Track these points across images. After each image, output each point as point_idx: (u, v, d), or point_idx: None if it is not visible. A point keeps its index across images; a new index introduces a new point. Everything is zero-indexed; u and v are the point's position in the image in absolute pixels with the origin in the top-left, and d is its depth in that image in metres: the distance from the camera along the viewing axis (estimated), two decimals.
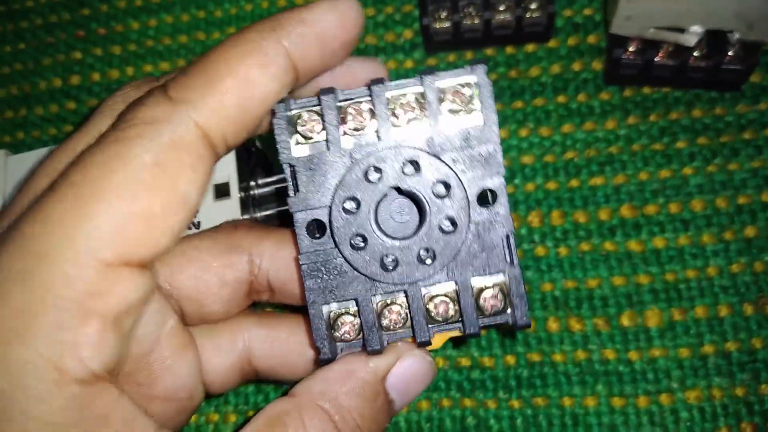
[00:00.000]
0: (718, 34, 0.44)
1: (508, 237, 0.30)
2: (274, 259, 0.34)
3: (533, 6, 0.48)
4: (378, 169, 0.29)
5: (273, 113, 0.29)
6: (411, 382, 0.31)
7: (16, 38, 0.58)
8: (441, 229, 0.29)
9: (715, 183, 0.46)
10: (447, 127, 0.29)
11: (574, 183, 0.47)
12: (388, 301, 0.30)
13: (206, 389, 0.34)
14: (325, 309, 0.30)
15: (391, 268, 0.30)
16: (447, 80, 0.29)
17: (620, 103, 0.48)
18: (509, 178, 0.47)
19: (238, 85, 0.27)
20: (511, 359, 0.45)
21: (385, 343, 0.30)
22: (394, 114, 0.29)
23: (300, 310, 0.34)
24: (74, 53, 0.57)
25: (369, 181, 0.29)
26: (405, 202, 0.31)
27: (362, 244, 0.30)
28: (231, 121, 0.27)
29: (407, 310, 0.30)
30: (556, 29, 0.50)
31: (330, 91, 0.29)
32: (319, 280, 0.30)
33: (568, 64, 0.49)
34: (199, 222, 0.43)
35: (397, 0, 0.53)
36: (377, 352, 0.30)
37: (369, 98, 0.30)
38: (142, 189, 0.25)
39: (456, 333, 0.31)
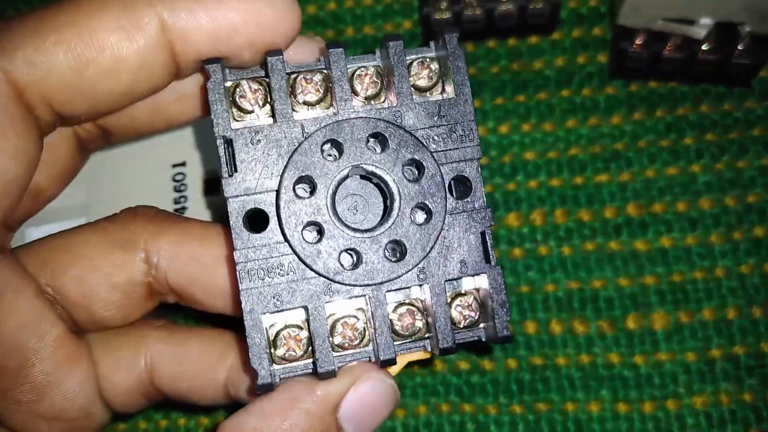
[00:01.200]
0: (728, 27, 0.43)
1: (484, 234, 0.25)
2: (173, 257, 0.28)
3: None
4: (337, 144, 0.25)
5: (206, 77, 0.24)
6: (369, 413, 0.26)
7: None
8: (412, 220, 0.25)
9: (723, 181, 0.44)
10: (415, 101, 0.26)
11: (578, 180, 0.45)
12: (342, 314, 0.25)
13: (110, 408, 0.29)
14: (264, 321, 0.25)
15: (352, 265, 0.25)
16: (414, 55, 0.26)
17: (626, 97, 0.46)
18: (511, 175, 0.46)
19: (80, 43, 0.23)
20: (512, 363, 0.43)
21: (337, 366, 0.25)
22: (352, 89, 0.25)
23: (221, 318, 0.30)
24: None
25: (326, 158, 0.25)
26: (367, 185, 0.26)
27: (317, 236, 0.25)
28: (62, 85, 0.23)
29: (365, 324, 0.25)
30: (561, 21, 0.48)
31: (277, 53, 0.25)
32: (259, 283, 0.24)
33: (573, 57, 0.48)
34: None
35: None
36: (330, 375, 0.25)
37: (322, 69, 0.25)
38: None
39: (423, 355, 0.26)
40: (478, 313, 0.26)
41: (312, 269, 0.24)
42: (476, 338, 0.26)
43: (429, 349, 0.26)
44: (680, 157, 0.45)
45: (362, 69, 0.26)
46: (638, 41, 0.44)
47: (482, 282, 0.26)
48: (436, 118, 0.25)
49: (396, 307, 0.25)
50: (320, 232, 0.25)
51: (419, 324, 0.25)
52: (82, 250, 0.28)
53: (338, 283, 0.25)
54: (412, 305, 0.25)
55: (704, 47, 0.44)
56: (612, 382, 0.42)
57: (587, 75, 0.47)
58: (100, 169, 0.43)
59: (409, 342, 0.26)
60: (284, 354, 0.25)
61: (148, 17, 0.23)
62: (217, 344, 0.30)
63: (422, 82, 0.26)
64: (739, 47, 0.43)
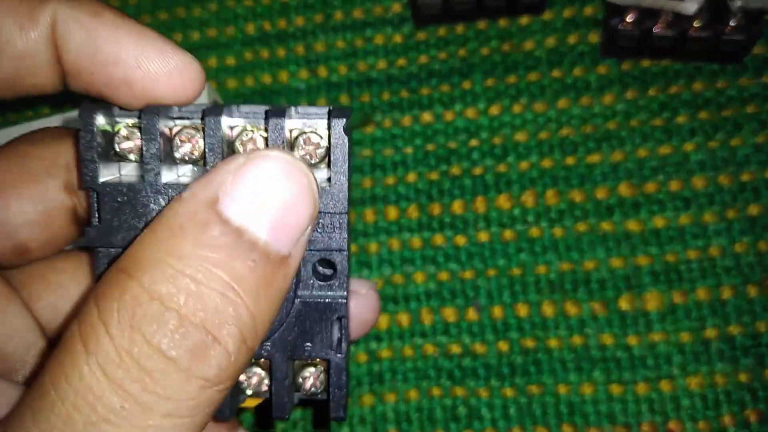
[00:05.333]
0: (720, 2, 0.42)
1: (341, 320, 0.26)
2: None
3: None
4: None
5: (82, 122, 0.24)
6: (261, 185, 0.21)
7: None
8: None
9: (717, 159, 0.44)
10: None
11: (570, 161, 0.45)
12: None
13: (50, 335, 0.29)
14: None
15: None
16: (300, 122, 0.25)
17: (618, 76, 0.46)
18: (502, 156, 0.45)
19: None
20: (504, 346, 0.43)
21: None
22: (233, 151, 0.25)
23: None
24: None
25: None
26: None
27: None
28: None
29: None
30: (551, 0, 0.48)
31: (155, 111, 0.24)
32: None
33: (564, 36, 0.47)
34: None
35: None
36: None
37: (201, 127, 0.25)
38: None
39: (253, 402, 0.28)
40: (323, 386, 0.27)
41: None
42: (320, 400, 0.27)
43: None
44: (673, 135, 0.44)
45: (245, 132, 0.25)
46: (629, 19, 0.44)
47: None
48: None
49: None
50: None
51: (264, 387, 0.27)
52: (57, 279, 0.29)
53: None
54: (261, 367, 0.26)
55: (696, 24, 0.43)
56: (605, 363, 0.42)
57: (579, 54, 0.47)
58: None
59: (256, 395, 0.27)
60: None
61: (43, 14, 0.23)
62: None
63: (306, 157, 0.25)
64: (731, 23, 0.43)
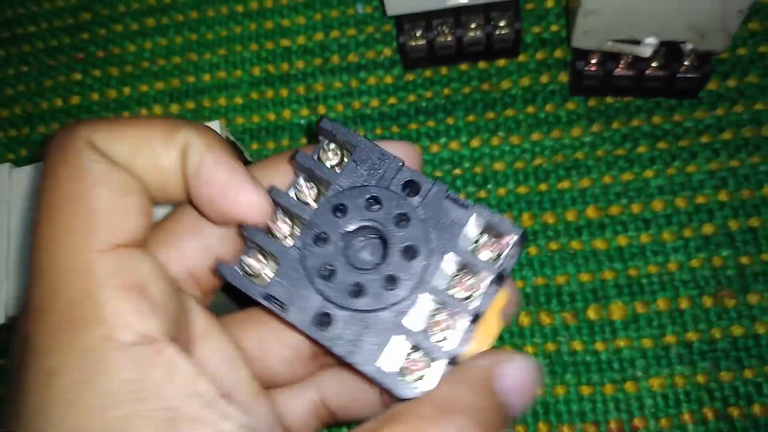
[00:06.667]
0: (673, 45, 0.47)
1: (458, 226, 0.29)
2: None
3: (502, 24, 0.51)
4: (343, 207, 0.29)
5: (219, 273, 0.29)
6: (522, 386, 0.28)
7: (20, 61, 0.61)
8: (403, 257, 0.29)
9: (674, 184, 0.49)
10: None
11: (542, 187, 0.50)
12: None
13: None
14: (381, 362, 0.29)
15: (354, 294, 0.29)
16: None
17: (585, 112, 0.51)
18: (482, 184, 0.50)
19: (135, 142, 0.28)
20: None
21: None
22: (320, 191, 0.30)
23: None
24: (74, 75, 0.60)
25: (337, 216, 0.29)
26: (377, 243, 0.31)
27: (330, 275, 0.29)
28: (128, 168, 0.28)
29: (449, 321, 0.29)
30: (525, 44, 0.53)
31: (255, 231, 0.29)
32: (354, 347, 0.28)
33: (537, 77, 0.52)
34: None
35: (378, 20, 0.56)
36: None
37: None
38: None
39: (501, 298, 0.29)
40: (498, 243, 0.29)
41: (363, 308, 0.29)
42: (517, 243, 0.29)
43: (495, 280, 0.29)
44: (635, 164, 0.49)
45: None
46: (593, 61, 0.49)
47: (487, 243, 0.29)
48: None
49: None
50: (333, 273, 0.29)
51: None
52: (260, 318, 0.33)
53: (372, 311, 0.29)
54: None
55: (653, 64, 0.48)
56: (575, 367, 0.46)
57: (550, 93, 0.52)
58: None
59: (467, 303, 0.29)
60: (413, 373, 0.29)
61: (179, 137, 0.28)
62: None
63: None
64: (685, 63, 0.48)
